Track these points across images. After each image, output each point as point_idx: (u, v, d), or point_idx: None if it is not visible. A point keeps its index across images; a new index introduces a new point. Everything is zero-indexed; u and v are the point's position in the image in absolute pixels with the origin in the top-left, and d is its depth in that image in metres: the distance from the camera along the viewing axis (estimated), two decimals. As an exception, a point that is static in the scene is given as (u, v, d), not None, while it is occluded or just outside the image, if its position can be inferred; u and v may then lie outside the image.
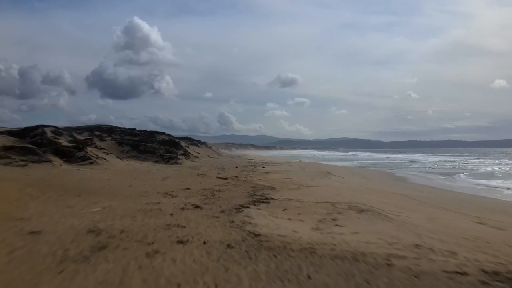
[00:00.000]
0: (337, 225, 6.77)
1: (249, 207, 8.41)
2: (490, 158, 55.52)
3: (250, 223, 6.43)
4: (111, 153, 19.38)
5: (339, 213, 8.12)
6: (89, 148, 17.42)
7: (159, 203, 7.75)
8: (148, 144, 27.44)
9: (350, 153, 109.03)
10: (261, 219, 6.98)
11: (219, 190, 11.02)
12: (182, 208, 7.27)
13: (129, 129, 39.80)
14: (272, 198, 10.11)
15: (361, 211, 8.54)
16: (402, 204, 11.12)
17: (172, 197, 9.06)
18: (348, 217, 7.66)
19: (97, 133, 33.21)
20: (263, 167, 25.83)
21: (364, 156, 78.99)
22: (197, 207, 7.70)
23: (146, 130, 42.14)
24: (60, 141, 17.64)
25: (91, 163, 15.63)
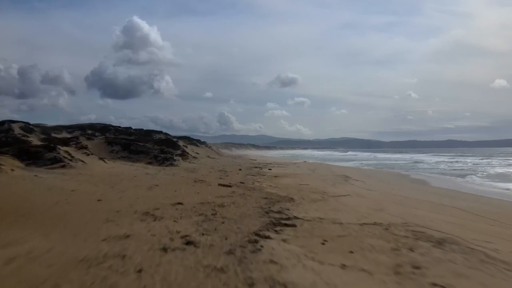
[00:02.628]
0: (435, 284, 3.85)
1: (269, 237, 5.52)
2: (495, 159, 53.43)
3: (284, 285, 3.52)
4: (92, 154, 16.37)
5: (411, 249, 5.19)
6: (63, 148, 14.45)
7: (128, 236, 4.78)
8: (141, 144, 24.47)
9: (349, 153, 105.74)
10: (298, 269, 4.07)
11: (222, 205, 8.09)
12: (164, 249, 4.32)
13: (124, 127, 37.46)
14: (296, 217, 7.20)
15: (439, 243, 5.62)
16: (470, 224, 8.19)
17: (155, 220, 6.13)
18: (433, 259, 4.73)
19: (89, 131, 30.78)
20: (269, 169, 23.00)
21: (364, 156, 75.57)
22: (189, 242, 4.78)
23: (142, 129, 39.95)
24: (29, 139, 14.74)
25: (63, 166, 12.70)
